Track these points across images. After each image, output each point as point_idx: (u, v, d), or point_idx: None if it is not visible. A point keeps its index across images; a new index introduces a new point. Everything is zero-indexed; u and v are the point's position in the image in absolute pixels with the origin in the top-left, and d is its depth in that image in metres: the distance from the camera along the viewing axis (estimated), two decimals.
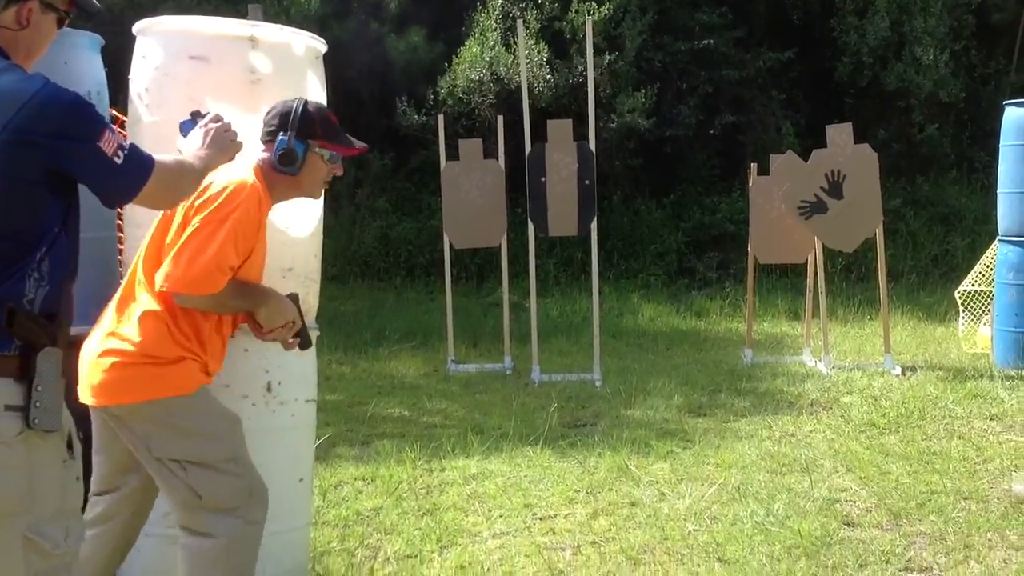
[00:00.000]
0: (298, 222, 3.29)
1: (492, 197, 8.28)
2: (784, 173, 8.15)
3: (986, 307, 8.43)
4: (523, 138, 8.09)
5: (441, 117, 9.13)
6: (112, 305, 2.93)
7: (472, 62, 13.54)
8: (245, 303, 2.95)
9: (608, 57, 13.25)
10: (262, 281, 3.03)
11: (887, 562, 3.92)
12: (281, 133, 2.96)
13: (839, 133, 8.04)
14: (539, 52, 13.27)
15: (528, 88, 8.95)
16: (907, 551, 4.03)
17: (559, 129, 8.02)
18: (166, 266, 2.80)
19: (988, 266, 8.43)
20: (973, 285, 8.80)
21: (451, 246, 8.61)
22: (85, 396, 2.84)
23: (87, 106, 2.33)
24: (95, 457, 3.00)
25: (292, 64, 3.26)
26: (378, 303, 11.94)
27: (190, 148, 2.71)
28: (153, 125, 3.18)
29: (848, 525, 4.37)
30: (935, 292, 11.49)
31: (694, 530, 4.34)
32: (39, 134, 2.20)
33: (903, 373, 7.61)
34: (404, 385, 7.86)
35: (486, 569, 3.96)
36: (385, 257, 13.40)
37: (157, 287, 2.81)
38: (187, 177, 2.57)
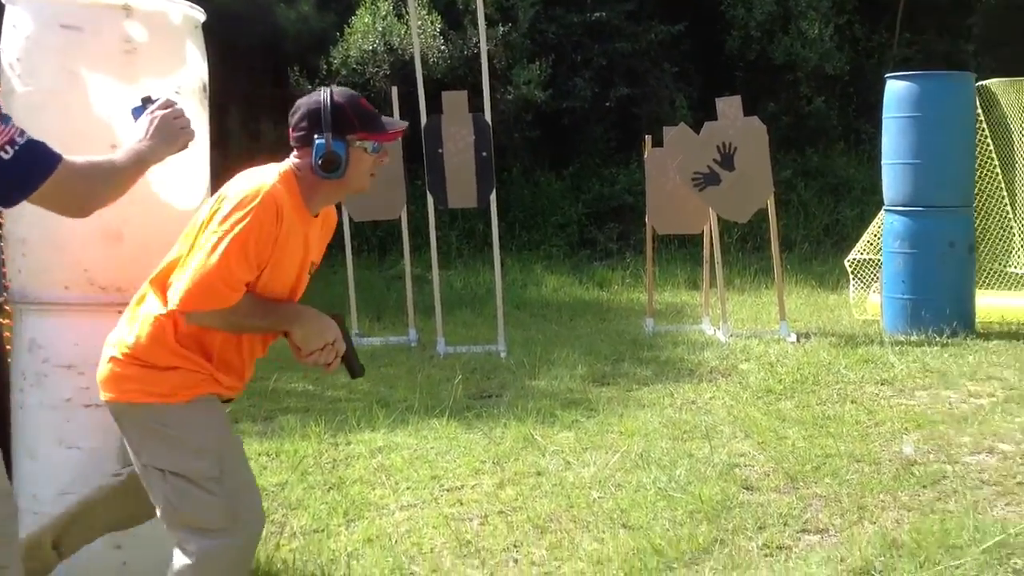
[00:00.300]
0: (183, 194, 3.18)
1: (389, 169, 8.19)
2: (677, 145, 8.27)
3: (875, 275, 8.69)
4: (419, 110, 8.04)
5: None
6: (135, 297, 2.80)
7: (364, 32, 13.39)
8: (266, 322, 2.76)
9: (502, 29, 13.22)
10: (297, 298, 2.87)
11: (785, 524, 4.02)
12: (316, 136, 2.72)
13: (729, 106, 8.17)
14: (432, 23, 13.17)
15: (423, 59, 8.87)
16: (804, 513, 4.14)
17: (454, 101, 7.96)
18: (175, 283, 2.65)
19: (876, 235, 8.70)
20: (862, 254, 9.07)
21: (351, 219, 8.52)
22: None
23: None
24: None
25: (169, 33, 3.14)
26: None
27: (133, 138, 2.55)
28: (26, 95, 3.03)
29: (747, 489, 4.47)
30: (827, 261, 11.81)
31: (599, 497, 4.40)
32: None
33: (798, 340, 7.81)
34: None
35: (394, 541, 3.94)
36: None
37: (170, 305, 2.65)
38: (104, 179, 2.39)
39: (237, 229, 2.59)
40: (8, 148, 2.13)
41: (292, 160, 2.81)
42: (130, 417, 2.70)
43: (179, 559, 2.68)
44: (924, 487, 4.42)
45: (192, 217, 2.80)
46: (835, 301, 9.72)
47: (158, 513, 2.73)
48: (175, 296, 2.61)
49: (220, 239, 2.58)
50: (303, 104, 2.79)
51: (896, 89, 8.08)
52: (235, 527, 2.70)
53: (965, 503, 4.17)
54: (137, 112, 2.67)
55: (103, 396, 2.73)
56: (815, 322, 8.69)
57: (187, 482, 2.67)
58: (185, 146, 2.68)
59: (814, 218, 13.52)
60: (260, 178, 2.71)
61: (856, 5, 14.99)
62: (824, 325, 8.54)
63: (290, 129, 2.81)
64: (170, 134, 2.59)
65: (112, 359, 2.70)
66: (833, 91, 14.72)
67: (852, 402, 5.95)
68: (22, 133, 2.20)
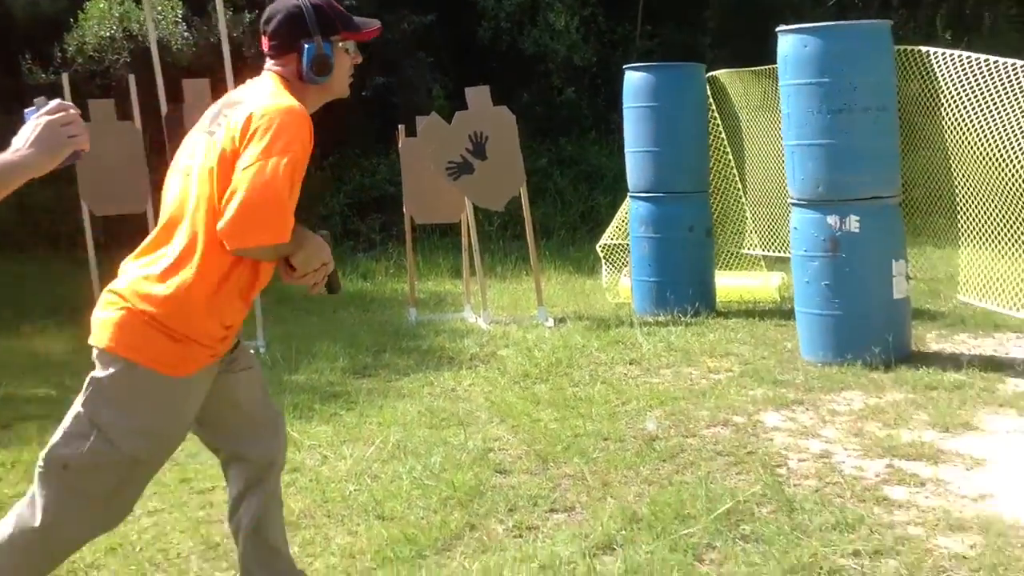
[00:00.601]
0: None
1: (131, 161, 7.84)
2: (430, 135, 8.34)
3: (625, 259, 9.07)
4: (159, 99, 7.74)
5: (65, 76, 8.49)
6: (151, 243, 2.65)
7: (100, 18, 12.76)
8: (291, 247, 2.63)
9: (248, 16, 12.91)
10: None
11: (535, 505, 4.15)
12: (304, 40, 2.68)
13: (478, 95, 8.31)
14: (173, 8, 12.72)
15: (166, 46, 8.53)
16: (552, 493, 4.29)
17: (195, 88, 7.66)
18: (229, 218, 2.47)
19: (624, 221, 9.08)
20: (612, 239, 9.44)
21: (92, 214, 8.11)
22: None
23: None
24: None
25: None
26: (19, 277, 11.05)
27: (15, 144, 2.28)
28: None
29: (500, 473, 4.59)
30: (583, 247, 12.21)
31: (354, 490, 4.39)
32: None
33: (555, 324, 8.06)
34: (49, 363, 7.33)
35: (138, 549, 3.81)
36: (23, 227, 12.40)
37: (230, 247, 2.50)
38: None
39: (289, 154, 2.52)
40: None
41: (273, 69, 2.74)
42: (118, 373, 2.58)
43: (27, 517, 2.59)
44: (664, 461, 4.67)
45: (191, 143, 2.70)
46: (591, 286, 10.07)
47: (45, 455, 2.60)
48: (232, 231, 2.48)
49: (276, 165, 2.49)
50: (280, 9, 2.72)
51: (634, 80, 8.44)
52: (101, 515, 2.64)
53: (700, 474, 4.44)
54: (28, 115, 2.37)
55: (100, 341, 2.60)
56: (572, 307, 8.98)
57: (111, 453, 2.56)
58: (75, 157, 2.35)
59: (570, 205, 13.94)
60: (281, 93, 2.64)
61: None
62: (580, 309, 8.84)
63: (266, 37, 2.75)
64: (55, 143, 2.29)
65: (127, 310, 2.57)
66: (582, 82, 15.22)
67: (603, 382, 6.20)
68: None
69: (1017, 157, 5.98)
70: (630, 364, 6.71)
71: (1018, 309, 6.23)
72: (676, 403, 5.65)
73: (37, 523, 2.57)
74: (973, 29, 16.58)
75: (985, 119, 6.04)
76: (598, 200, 13.87)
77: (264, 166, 2.50)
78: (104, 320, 2.63)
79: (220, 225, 2.51)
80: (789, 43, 6.43)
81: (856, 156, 6.22)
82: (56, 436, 2.62)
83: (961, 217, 6.48)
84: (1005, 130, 5.66)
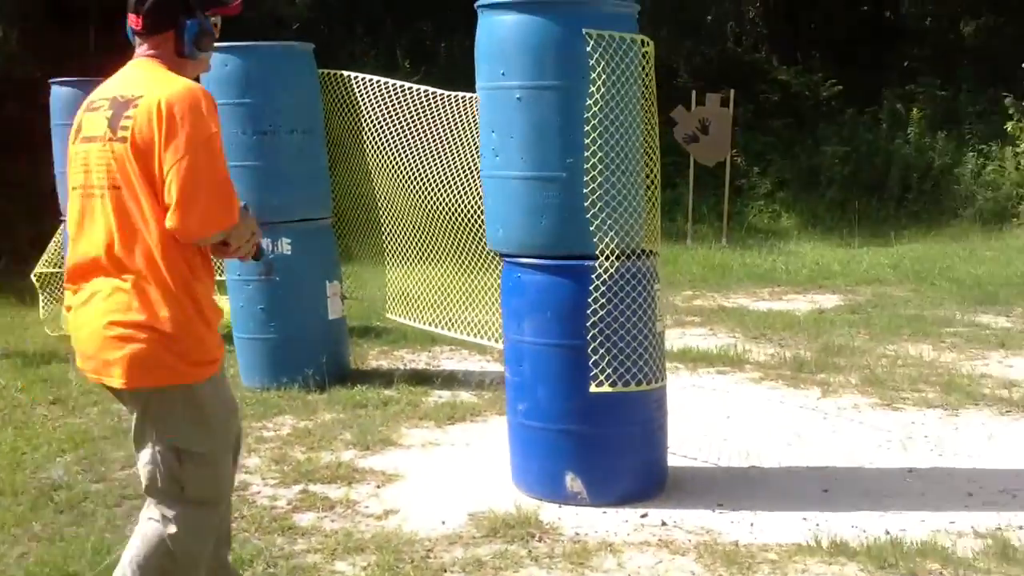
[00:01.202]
0: None
1: None
2: None
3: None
4: None
5: None
6: (88, 265, 2.65)
7: None
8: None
9: None
10: None
11: None
12: (185, 16, 2.68)
13: None
14: None
15: None
16: None
17: None
18: (184, 214, 2.52)
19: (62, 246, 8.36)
20: (49, 267, 8.67)
21: None
22: (100, 373, 2.66)
23: None
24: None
25: None
26: None
27: None
28: None
29: None
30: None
31: None
32: None
33: None
34: None
35: None
36: None
37: (191, 240, 2.58)
38: None
39: (212, 134, 2.56)
40: None
41: (148, 54, 2.72)
42: (160, 400, 2.64)
43: (157, 529, 2.68)
44: (61, 513, 4.23)
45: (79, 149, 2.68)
46: (33, 318, 9.17)
47: (147, 484, 2.69)
48: (190, 226, 2.54)
49: (208, 150, 2.54)
50: None
51: (62, 94, 7.85)
52: (219, 497, 2.77)
53: (98, 524, 4.06)
54: None
55: (123, 382, 2.62)
56: (10, 341, 8.10)
57: (204, 461, 2.68)
58: None
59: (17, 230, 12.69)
60: (171, 78, 2.64)
61: None
62: (15, 343, 8.00)
63: (138, 16, 2.69)
64: None
65: (139, 343, 2.58)
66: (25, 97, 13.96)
67: (14, 427, 5.57)
68: None
69: (427, 181, 6.30)
70: (53, 404, 6.11)
71: (433, 325, 6.54)
72: (95, 444, 5.21)
73: (176, 530, 2.68)
74: (431, 59, 17.65)
75: (400, 142, 6.29)
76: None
77: (196, 156, 2.53)
78: (121, 360, 2.61)
79: (173, 223, 2.54)
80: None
81: (284, 178, 6.18)
82: (149, 478, 2.69)
83: (385, 238, 6.71)
84: (416, 152, 5.92)
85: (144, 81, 2.65)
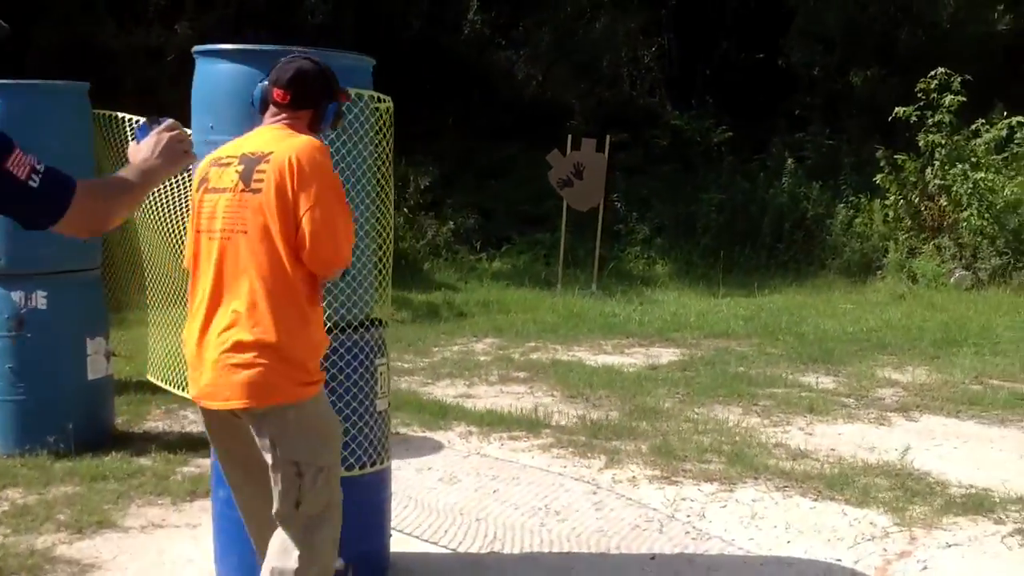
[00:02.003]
0: None
1: None
2: None
3: None
4: None
5: None
6: (208, 300, 2.99)
7: None
8: None
9: None
10: None
11: None
12: (326, 99, 3.13)
13: None
14: None
15: None
16: None
17: None
18: (318, 255, 2.94)
19: None
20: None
21: None
22: (219, 399, 2.97)
23: None
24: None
25: None
26: None
27: (139, 156, 2.62)
28: None
29: None
30: None
31: None
32: None
33: None
34: None
35: None
36: None
37: (320, 276, 3.02)
38: (117, 197, 2.46)
39: (339, 184, 3.02)
40: (35, 177, 2.21)
41: (282, 120, 3.09)
42: (278, 418, 2.94)
43: (293, 552, 3.00)
44: None
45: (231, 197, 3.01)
46: None
47: (278, 508, 3.01)
48: (323, 265, 2.98)
49: (337, 202, 2.98)
50: (307, 69, 3.10)
51: None
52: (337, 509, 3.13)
53: None
54: (141, 132, 2.76)
55: (244, 404, 2.93)
56: None
57: (328, 473, 3.04)
58: (188, 168, 2.88)
59: None
60: (299, 135, 3.05)
61: None
62: None
63: (283, 91, 3.07)
64: (174, 156, 2.65)
65: (252, 364, 2.90)
66: None
67: None
68: (38, 160, 2.27)
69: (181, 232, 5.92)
70: None
71: (168, 384, 6.11)
72: None
73: (315, 549, 3.03)
74: None
75: (163, 188, 5.90)
76: None
77: (328, 203, 2.94)
78: (247, 383, 2.91)
79: (310, 259, 2.96)
80: None
81: None
82: (282, 499, 3.00)
83: (148, 292, 6.31)
84: (174, 199, 5.55)
85: (273, 140, 3.04)
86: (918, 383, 7.87)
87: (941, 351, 9.18)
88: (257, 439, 3.01)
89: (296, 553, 3.02)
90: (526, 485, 5.38)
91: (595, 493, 5.25)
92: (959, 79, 13.31)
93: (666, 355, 9.22)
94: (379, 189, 4.28)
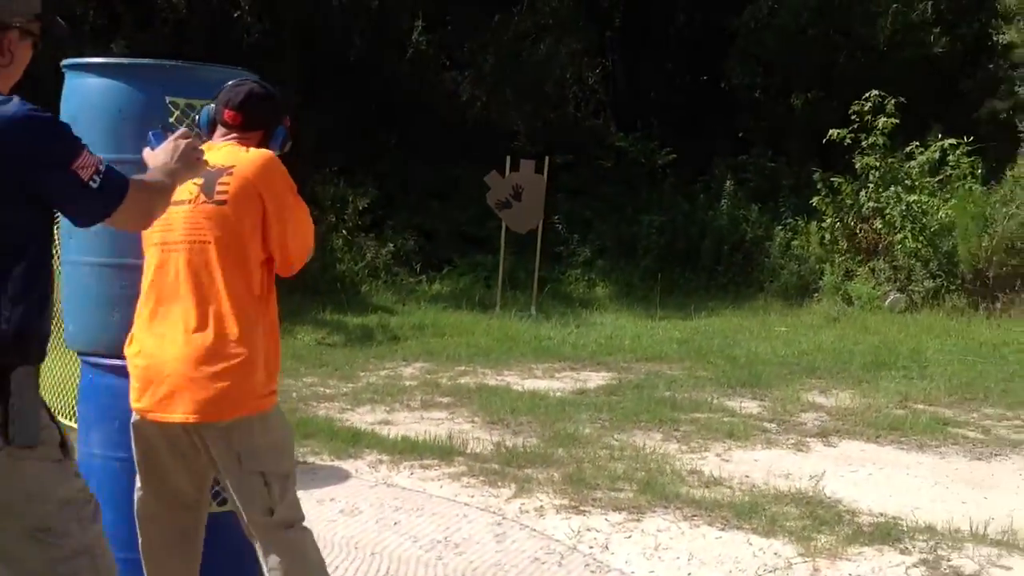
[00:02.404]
0: None
1: None
2: None
3: None
4: None
5: None
6: (168, 312, 3.03)
7: None
8: None
9: None
10: None
11: None
12: (275, 123, 3.22)
13: None
14: None
15: None
16: None
17: None
18: (288, 258, 3.09)
19: None
20: None
21: None
22: (178, 412, 2.95)
23: (63, 128, 2.33)
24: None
25: None
26: None
27: (158, 160, 2.70)
28: None
29: None
30: None
31: None
32: (17, 156, 2.21)
33: None
34: None
35: None
36: None
37: (289, 271, 3.12)
38: (161, 197, 2.58)
39: (296, 191, 3.11)
40: (96, 178, 2.31)
41: (233, 139, 3.16)
42: (246, 431, 2.95)
43: (274, 560, 3.00)
44: None
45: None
46: None
47: (248, 519, 3.02)
48: (293, 266, 3.12)
49: (299, 203, 3.11)
50: (257, 92, 3.20)
51: None
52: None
53: None
54: (156, 138, 2.88)
55: (211, 417, 2.92)
56: None
57: (288, 481, 3.05)
58: (199, 174, 2.86)
59: None
60: (265, 151, 3.13)
61: None
62: None
63: (234, 112, 3.16)
64: (191, 162, 2.74)
65: (219, 376, 2.91)
66: None
67: None
68: (101, 160, 2.38)
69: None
70: None
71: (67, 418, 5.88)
72: None
73: (294, 555, 3.04)
74: None
75: None
76: None
77: (294, 207, 3.09)
78: (215, 395, 2.92)
79: (281, 265, 3.11)
80: None
81: None
82: (248, 508, 3.01)
83: None
84: None
85: (231, 154, 3.09)
86: (842, 407, 7.82)
87: (869, 374, 9.17)
88: (217, 455, 3.00)
89: (280, 559, 3.04)
90: (429, 516, 5.22)
91: (499, 524, 5.11)
92: (893, 101, 13.41)
93: (595, 379, 9.13)
94: None
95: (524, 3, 20.53)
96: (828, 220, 14.18)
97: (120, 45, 16.26)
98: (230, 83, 3.27)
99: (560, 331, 11.93)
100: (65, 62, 3.86)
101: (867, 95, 13.60)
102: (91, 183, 2.31)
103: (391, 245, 15.77)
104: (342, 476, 5.91)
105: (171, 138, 2.78)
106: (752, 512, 5.23)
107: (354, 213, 15.89)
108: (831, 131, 13.86)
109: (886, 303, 12.91)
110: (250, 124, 3.20)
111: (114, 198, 2.38)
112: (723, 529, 5.05)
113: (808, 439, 6.84)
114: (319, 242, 15.24)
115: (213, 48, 16.36)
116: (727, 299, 14.14)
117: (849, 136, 13.77)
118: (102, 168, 2.35)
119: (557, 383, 8.95)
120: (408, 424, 7.22)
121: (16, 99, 2.33)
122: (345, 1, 18.36)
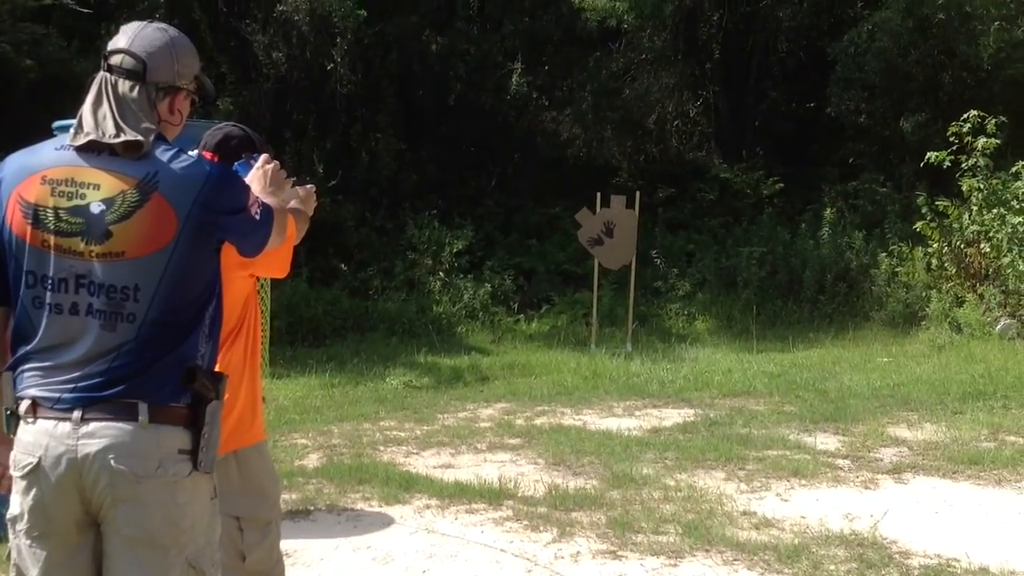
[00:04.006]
0: None
1: None
2: None
3: None
4: None
5: None
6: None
7: None
8: None
9: None
10: None
11: None
12: (247, 156, 3.16)
13: None
14: None
15: None
16: None
17: None
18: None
19: None
20: None
21: None
22: None
23: (239, 177, 2.60)
24: None
25: None
26: None
27: (254, 190, 2.71)
28: None
29: None
30: None
31: None
32: (216, 210, 2.40)
33: None
34: None
35: None
36: None
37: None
38: (282, 215, 2.71)
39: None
40: (258, 211, 2.52)
41: None
42: (219, 468, 2.68)
43: None
44: None
45: None
46: None
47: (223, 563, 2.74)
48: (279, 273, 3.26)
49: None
50: (235, 135, 3.29)
51: None
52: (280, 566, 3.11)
53: None
54: (243, 168, 3.00)
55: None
56: None
57: (276, 528, 3.07)
58: (287, 194, 2.99)
59: None
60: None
61: None
62: None
63: (214, 153, 3.20)
64: (281, 185, 2.95)
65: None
66: None
67: None
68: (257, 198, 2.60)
69: None
70: None
71: None
72: None
73: None
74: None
75: None
76: None
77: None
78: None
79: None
80: None
81: None
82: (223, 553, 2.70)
83: None
84: None
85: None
86: (926, 441, 7.42)
87: (965, 405, 8.69)
88: None
89: None
90: (461, 563, 5.13)
91: (530, 572, 4.99)
92: (994, 121, 12.80)
93: (674, 417, 8.89)
94: None
95: (622, 41, 20.49)
96: (934, 245, 13.57)
97: (226, 103, 16.88)
98: (210, 130, 3.44)
99: (650, 367, 11.70)
100: (56, 124, 4.01)
101: (965, 116, 13.01)
102: (256, 216, 2.53)
103: (488, 285, 15.81)
104: (385, 522, 5.87)
105: (256, 166, 2.98)
106: (796, 555, 4.97)
107: (450, 255, 16.01)
108: (928, 154, 13.29)
109: (996, 329, 12.24)
110: (226, 163, 3.30)
111: (268, 223, 2.59)
112: (763, 573, 4.81)
113: (879, 476, 6.50)
114: (416, 286, 15.30)
115: (313, 100, 16.83)
116: (830, 330, 13.66)
117: (949, 158, 13.18)
118: (259, 201, 2.58)
119: (634, 421, 8.76)
120: (469, 467, 7.15)
121: (198, 153, 2.67)
122: (443, 46, 18.65)
